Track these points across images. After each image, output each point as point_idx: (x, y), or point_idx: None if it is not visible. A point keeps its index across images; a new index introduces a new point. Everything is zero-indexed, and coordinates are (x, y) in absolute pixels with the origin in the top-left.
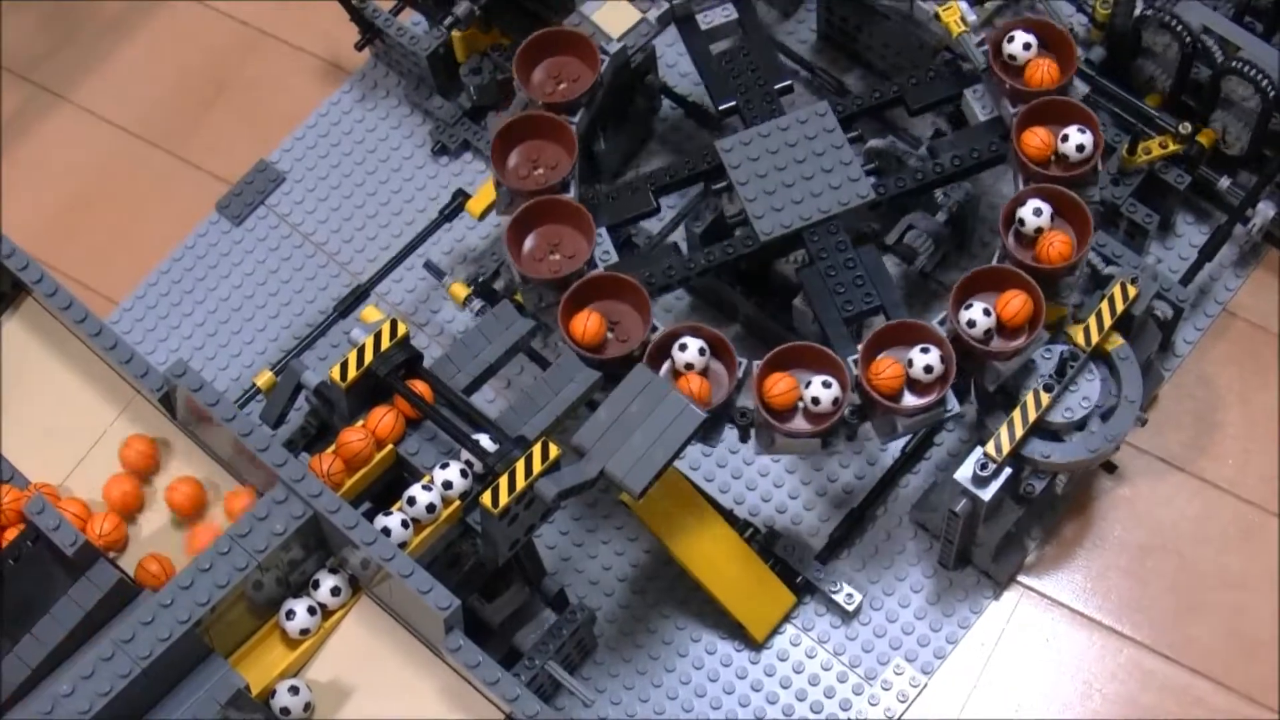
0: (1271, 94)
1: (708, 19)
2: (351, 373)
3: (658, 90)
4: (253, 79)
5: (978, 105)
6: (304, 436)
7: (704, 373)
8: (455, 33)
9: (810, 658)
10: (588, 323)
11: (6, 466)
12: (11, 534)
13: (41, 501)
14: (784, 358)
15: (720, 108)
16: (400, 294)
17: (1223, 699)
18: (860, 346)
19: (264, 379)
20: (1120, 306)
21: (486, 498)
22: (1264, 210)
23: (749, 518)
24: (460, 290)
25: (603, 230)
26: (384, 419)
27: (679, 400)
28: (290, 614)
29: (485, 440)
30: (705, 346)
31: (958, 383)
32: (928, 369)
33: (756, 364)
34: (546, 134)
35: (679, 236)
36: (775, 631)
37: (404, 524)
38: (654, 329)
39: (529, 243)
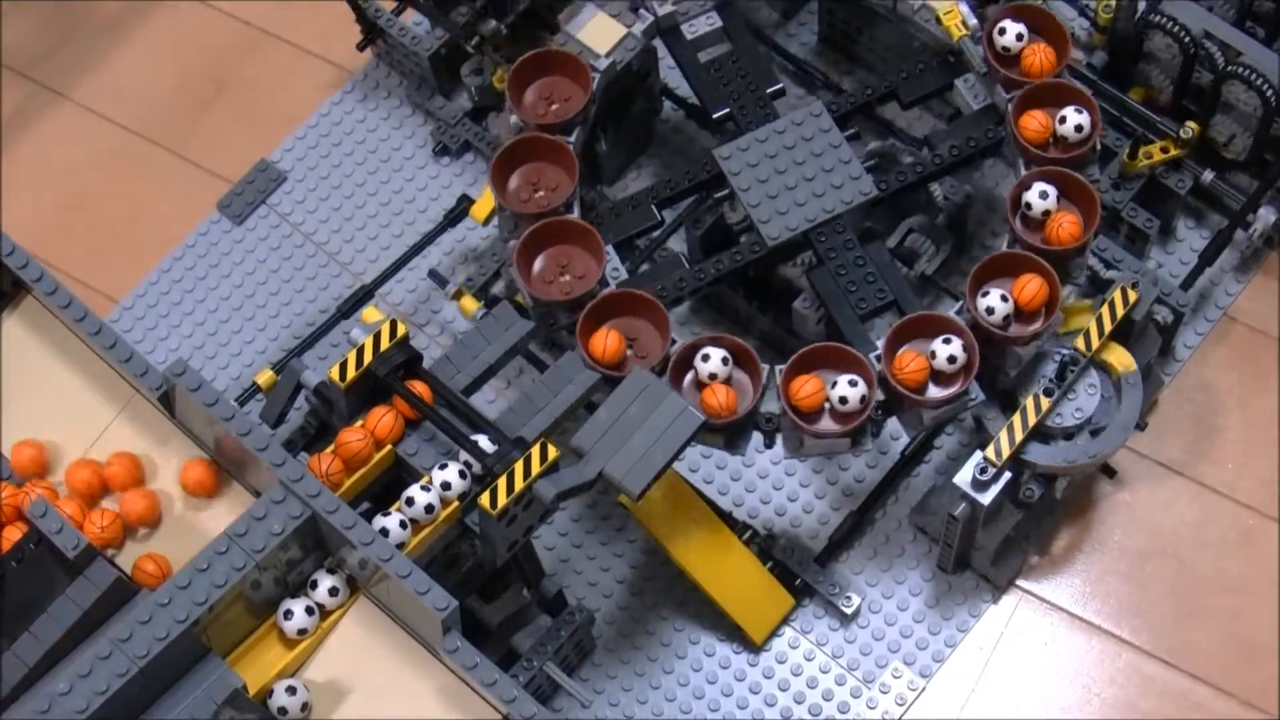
0: (1273, 99)
1: (693, 28)
2: (351, 373)
3: (659, 92)
4: (253, 78)
5: (970, 95)
6: (303, 436)
7: (728, 382)
8: (495, 77)
9: (809, 660)
10: (607, 341)
11: (5, 465)
12: (10, 530)
13: (44, 504)
14: (808, 359)
15: (714, 115)
16: (401, 294)
17: (1222, 704)
18: (881, 342)
19: (264, 377)
20: (1121, 311)
21: (485, 499)
22: (1265, 215)
23: (748, 520)
24: (471, 304)
25: (610, 248)
26: (383, 419)
27: (678, 402)
28: (288, 614)
29: (484, 441)
30: (728, 356)
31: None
32: (951, 359)
33: (780, 369)
34: (545, 156)
35: (680, 238)
36: (774, 634)
37: (402, 524)
38: (673, 342)
39: (538, 265)
